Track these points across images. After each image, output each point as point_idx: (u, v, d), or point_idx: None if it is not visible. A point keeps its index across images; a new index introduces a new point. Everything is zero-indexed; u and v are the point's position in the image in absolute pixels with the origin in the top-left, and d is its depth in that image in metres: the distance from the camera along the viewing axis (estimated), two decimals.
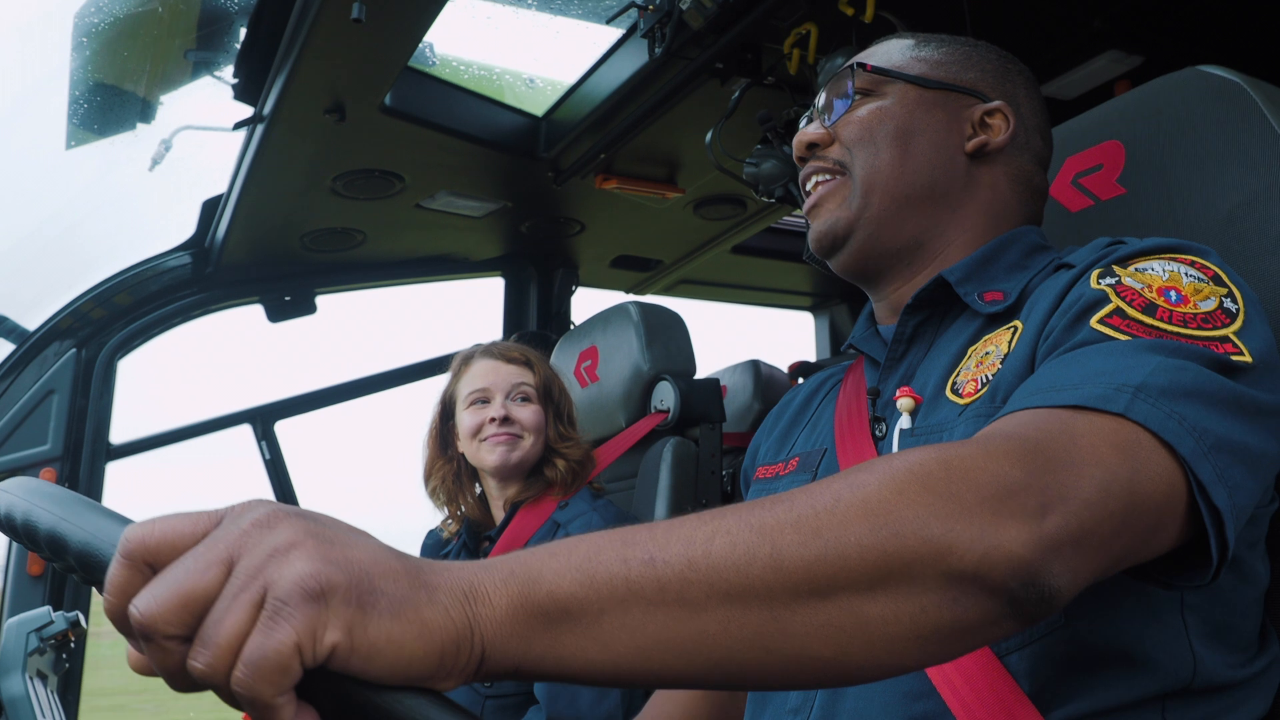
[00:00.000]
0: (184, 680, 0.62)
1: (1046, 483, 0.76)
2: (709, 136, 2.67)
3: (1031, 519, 0.74)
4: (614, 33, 2.76)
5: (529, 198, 3.41)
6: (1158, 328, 0.95)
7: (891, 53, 1.35)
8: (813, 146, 1.34)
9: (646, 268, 4.09)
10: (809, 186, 1.34)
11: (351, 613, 0.60)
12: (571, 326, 3.75)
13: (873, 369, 1.31)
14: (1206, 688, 0.99)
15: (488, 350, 2.51)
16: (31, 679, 1.83)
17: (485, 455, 2.40)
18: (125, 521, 0.71)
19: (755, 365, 3.71)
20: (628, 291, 4.27)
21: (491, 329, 3.98)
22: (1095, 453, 0.81)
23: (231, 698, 0.60)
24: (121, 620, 0.63)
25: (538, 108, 3.14)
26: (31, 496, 0.75)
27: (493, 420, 2.38)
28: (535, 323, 3.90)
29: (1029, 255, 1.25)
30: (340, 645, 0.59)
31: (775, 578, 0.68)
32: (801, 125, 1.46)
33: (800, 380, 3.67)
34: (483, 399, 2.43)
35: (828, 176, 1.32)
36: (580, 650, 0.65)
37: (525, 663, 0.65)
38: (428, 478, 2.53)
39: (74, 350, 3.26)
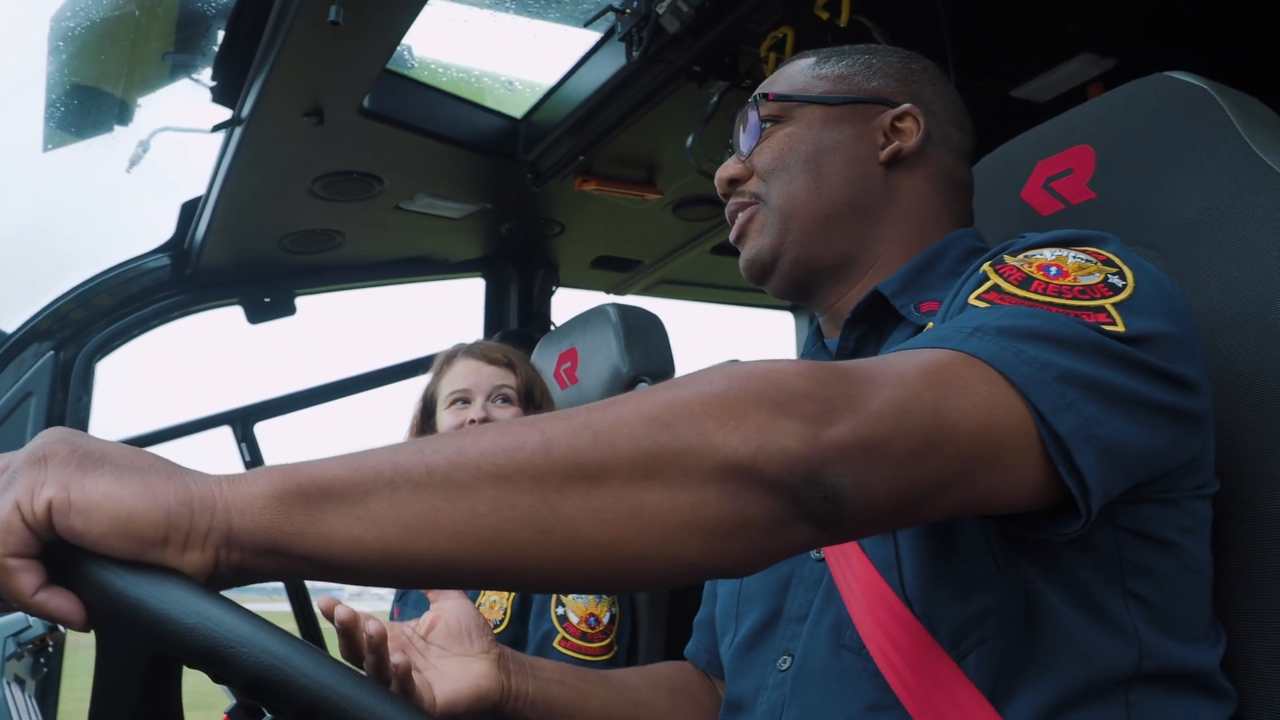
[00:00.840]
0: None
1: (834, 393, 0.76)
2: (689, 141, 2.68)
3: (811, 421, 0.74)
4: (592, 36, 2.77)
5: (509, 199, 3.41)
6: (1029, 298, 0.94)
7: (794, 76, 1.36)
8: (734, 182, 1.35)
9: (627, 268, 4.10)
10: (734, 219, 1.36)
11: (70, 473, 0.63)
12: (552, 327, 3.75)
13: None
14: (1165, 674, 0.99)
15: (470, 350, 2.49)
16: (9, 684, 1.82)
17: None
18: None
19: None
20: (608, 292, 4.27)
21: (472, 330, 3.98)
22: (900, 375, 0.81)
23: None
24: None
25: (517, 109, 3.14)
26: None
27: (472, 422, 2.36)
28: (516, 323, 3.90)
29: (964, 260, 1.25)
30: (56, 500, 0.63)
31: (544, 461, 0.69)
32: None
33: None
34: (463, 399, 2.41)
35: (747, 209, 1.33)
36: (345, 528, 0.67)
37: (283, 539, 0.66)
38: None
39: (52, 352, 3.24)
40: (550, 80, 3.01)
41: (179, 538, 0.64)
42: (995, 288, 0.98)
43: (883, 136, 1.30)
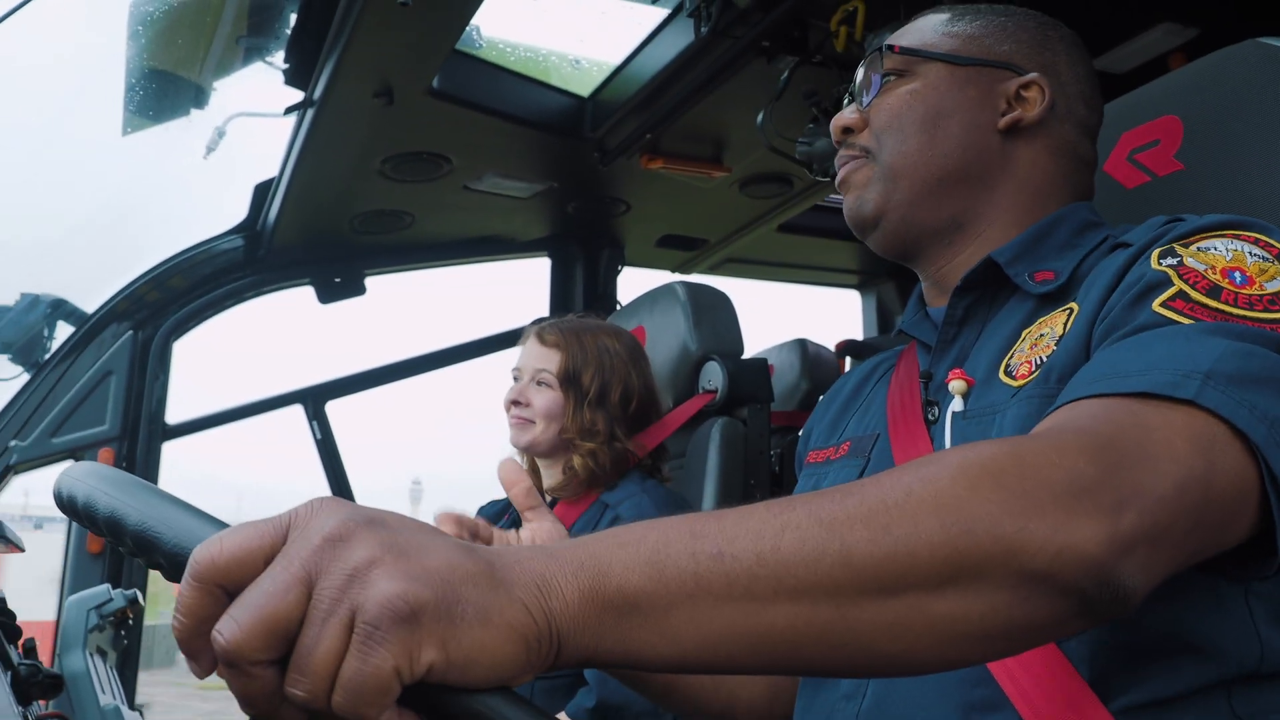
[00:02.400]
0: (264, 705, 0.62)
1: (1121, 479, 0.74)
2: (760, 118, 2.66)
3: (1106, 517, 0.72)
4: (660, 12, 2.76)
5: (575, 178, 3.42)
6: (1222, 310, 0.92)
7: (924, 30, 1.33)
8: (848, 131, 1.33)
9: (692, 247, 4.09)
10: (841, 166, 1.34)
11: (443, 628, 0.60)
12: (618, 306, 3.75)
13: (924, 353, 1.29)
14: (1275, 673, 0.97)
15: (536, 328, 2.51)
16: (91, 655, 1.87)
17: (510, 430, 2.46)
18: (221, 526, 0.71)
19: (802, 344, 3.70)
20: (673, 271, 4.26)
21: (538, 309, 4.00)
22: (1170, 447, 0.79)
23: (333, 718, 0.61)
24: (193, 641, 0.63)
25: (584, 88, 3.14)
26: (115, 490, 0.75)
27: (515, 403, 2.43)
28: (582, 302, 3.91)
29: (1080, 233, 1.23)
30: (437, 661, 0.60)
31: (844, 574, 0.67)
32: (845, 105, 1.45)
33: (848, 360, 3.66)
34: (517, 377, 2.47)
35: (854, 161, 1.31)
36: (648, 642, 0.66)
37: (597, 653, 0.66)
38: None
39: (131, 332, 3.31)
40: (617, 58, 3.01)
41: (527, 668, 0.64)
42: (1181, 295, 0.95)
43: (1005, 104, 1.27)
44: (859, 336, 4.61)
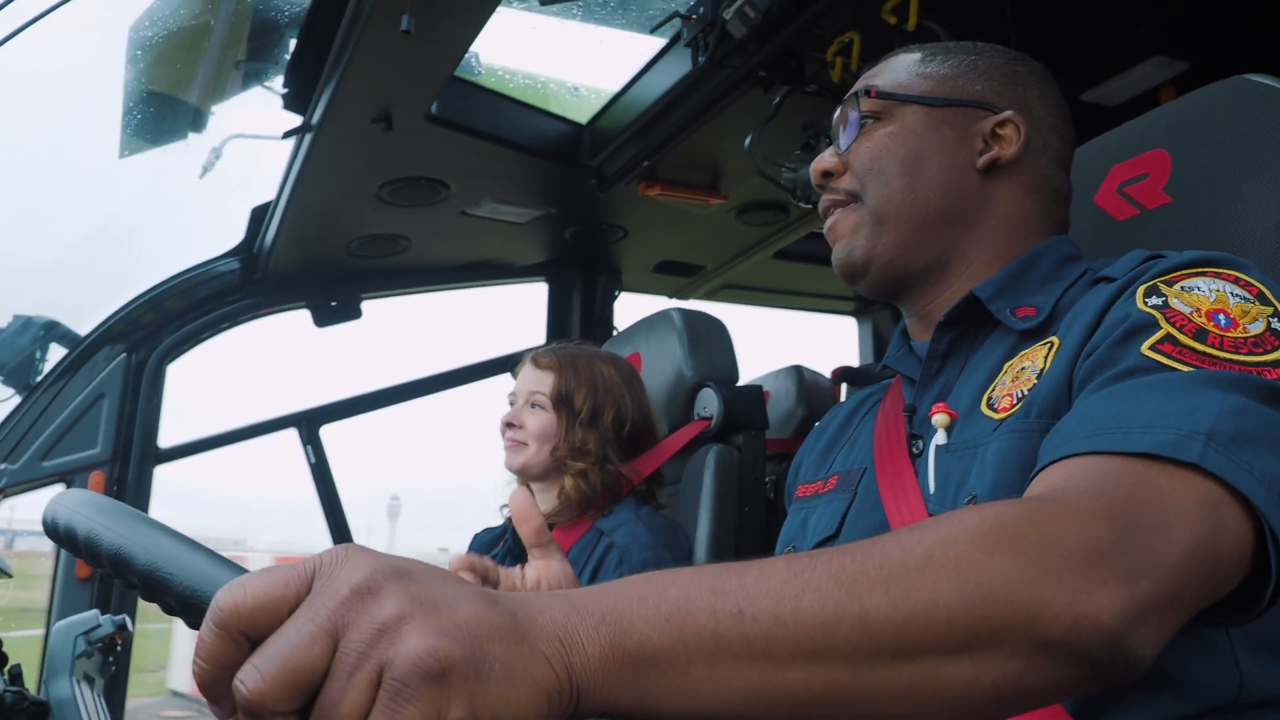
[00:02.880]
0: None
1: (1136, 546, 0.75)
2: (748, 141, 2.68)
3: (1123, 585, 0.73)
4: (658, 42, 2.77)
5: (573, 204, 3.43)
6: (1209, 355, 0.94)
7: (898, 72, 1.35)
8: (828, 175, 1.35)
9: (689, 273, 4.10)
10: (826, 216, 1.36)
11: (471, 687, 0.60)
12: (615, 332, 3.75)
13: (909, 386, 1.31)
14: (1254, 703, 0.98)
15: (532, 355, 2.54)
16: (79, 682, 1.85)
17: (505, 454, 2.47)
18: (234, 568, 0.70)
19: (798, 371, 3.70)
20: (670, 297, 4.27)
21: (535, 334, 4.00)
22: (1180, 513, 0.80)
23: None
24: (214, 686, 0.63)
25: (582, 115, 3.16)
26: (118, 526, 0.75)
27: (510, 425, 2.45)
28: (579, 328, 3.92)
29: (1060, 267, 1.25)
30: (464, 718, 0.60)
31: (862, 639, 0.68)
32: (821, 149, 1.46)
33: (843, 386, 3.66)
34: (512, 402, 2.50)
35: (840, 206, 1.33)
36: (665, 699, 0.66)
37: (615, 707, 0.66)
38: None
39: (124, 355, 3.31)
40: (615, 86, 3.02)
41: None
42: (1170, 338, 0.96)
43: (982, 143, 1.29)
44: (855, 363, 4.62)
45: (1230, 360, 0.93)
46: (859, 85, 1.35)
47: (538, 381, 2.46)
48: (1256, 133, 1.24)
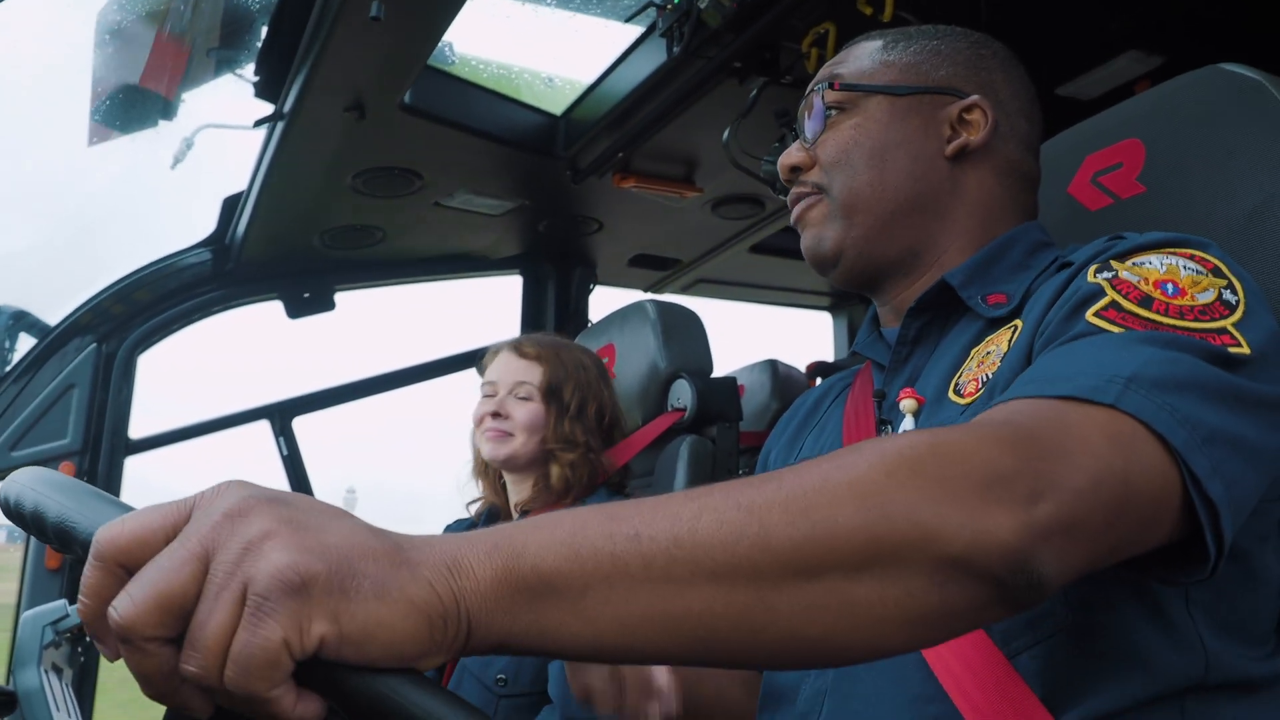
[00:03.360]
0: (161, 684, 0.62)
1: (1038, 470, 0.75)
2: (725, 134, 2.67)
3: (1021, 506, 0.73)
4: (633, 31, 2.76)
5: (547, 196, 3.41)
6: (1153, 320, 0.94)
7: (861, 60, 1.34)
8: (795, 170, 1.34)
9: (664, 267, 4.09)
10: (794, 205, 1.35)
11: (335, 600, 0.59)
12: (589, 326, 3.75)
13: (879, 372, 1.31)
14: (1224, 684, 0.98)
15: (510, 344, 2.53)
16: (46, 672, 1.84)
17: (482, 446, 2.44)
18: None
19: (773, 365, 3.71)
20: (646, 290, 4.27)
21: (510, 327, 3.99)
22: (1088, 443, 0.80)
23: (229, 696, 0.60)
24: (97, 622, 0.63)
25: (556, 106, 3.14)
26: (41, 486, 0.75)
27: (494, 415, 2.41)
28: (554, 320, 3.91)
29: (1031, 254, 1.25)
30: (329, 634, 0.59)
31: (762, 557, 0.67)
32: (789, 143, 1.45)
33: (818, 380, 3.67)
34: (490, 392, 2.46)
35: (809, 197, 1.32)
36: (564, 624, 0.65)
37: (510, 637, 0.65)
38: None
39: (94, 345, 3.27)
40: (590, 77, 3.01)
41: (433, 649, 0.62)
42: (1114, 305, 0.97)
43: (949, 129, 1.28)
44: (830, 358, 4.63)
45: (1174, 325, 0.93)
46: (822, 75, 1.35)
47: (524, 371, 2.45)
48: (1231, 121, 1.24)
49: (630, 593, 0.66)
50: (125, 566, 0.62)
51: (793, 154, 1.34)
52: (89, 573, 0.63)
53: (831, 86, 1.32)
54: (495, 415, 2.41)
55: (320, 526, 0.62)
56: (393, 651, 0.61)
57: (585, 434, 2.44)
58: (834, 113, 1.32)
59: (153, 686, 0.62)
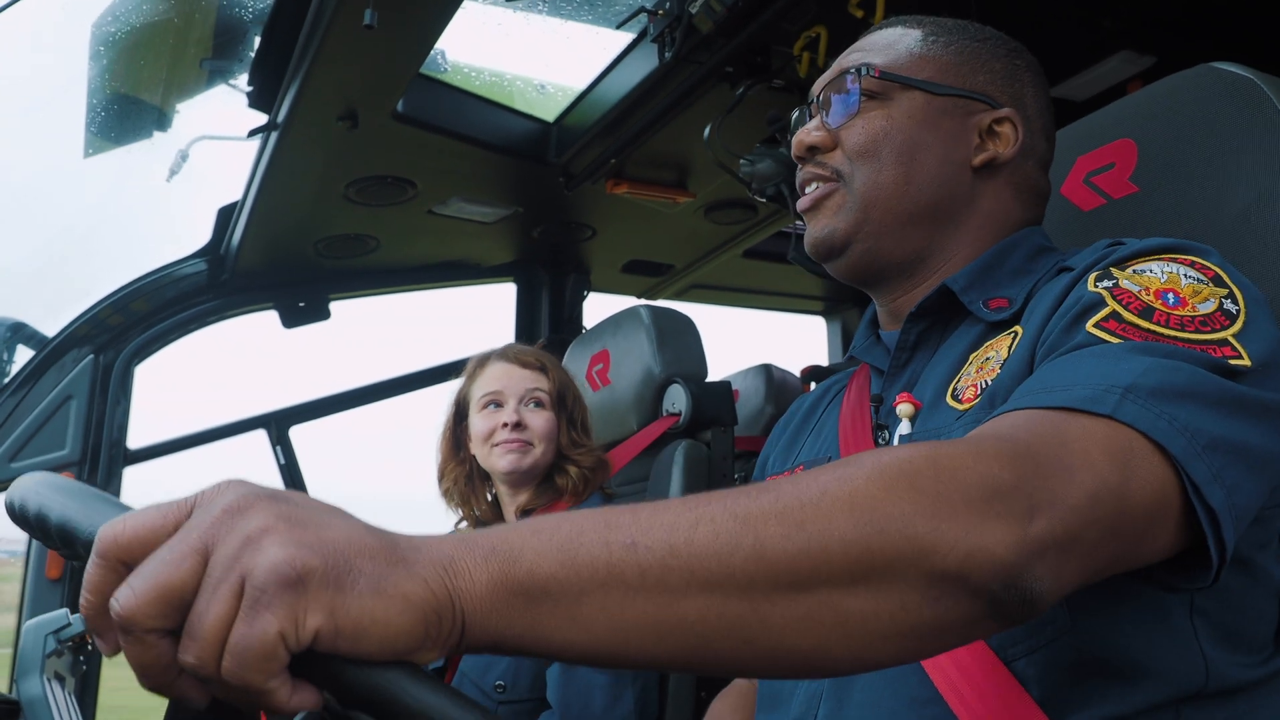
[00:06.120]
0: (160, 676, 0.63)
1: (1035, 486, 0.76)
2: (707, 131, 2.67)
3: (1017, 522, 0.73)
4: (624, 38, 2.77)
5: (540, 203, 3.42)
6: (1153, 331, 0.93)
7: (898, 50, 1.28)
8: (813, 149, 1.29)
9: (658, 272, 4.10)
10: (806, 189, 1.30)
11: (331, 595, 0.60)
12: (584, 333, 3.75)
13: (877, 376, 1.30)
14: (1221, 691, 0.98)
15: (503, 353, 2.49)
16: (49, 681, 1.83)
17: (496, 460, 2.37)
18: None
19: (767, 369, 3.71)
20: (639, 296, 4.27)
21: (504, 334, 3.99)
22: (1085, 457, 0.80)
23: (225, 687, 0.61)
24: (98, 619, 0.64)
25: (549, 113, 3.15)
26: (45, 489, 0.76)
27: (505, 425, 2.35)
28: (547, 327, 3.91)
29: (1033, 259, 1.23)
30: (324, 628, 0.60)
31: (757, 568, 0.68)
32: (797, 119, 1.42)
33: (812, 385, 3.67)
34: (496, 402, 2.41)
35: (825, 184, 1.28)
36: (558, 629, 0.66)
37: (505, 638, 0.66)
38: (441, 479, 2.52)
39: (92, 356, 3.27)
40: (582, 83, 3.02)
41: (428, 645, 0.63)
42: (1115, 315, 0.96)
43: (978, 138, 1.25)
44: (824, 362, 4.63)
45: (1174, 337, 0.93)
46: (856, 60, 1.28)
47: (533, 380, 2.43)
48: (1223, 121, 1.24)
49: (625, 600, 0.66)
50: (127, 563, 0.63)
51: (813, 133, 1.28)
52: (91, 570, 0.64)
53: (871, 73, 1.26)
54: (514, 426, 2.36)
55: (319, 523, 0.63)
56: (387, 645, 0.62)
57: (588, 439, 2.45)
58: (865, 98, 1.26)
59: (151, 678, 0.63)
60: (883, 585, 0.70)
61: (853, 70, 1.28)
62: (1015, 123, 1.26)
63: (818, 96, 1.32)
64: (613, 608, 0.66)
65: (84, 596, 0.64)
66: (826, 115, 1.29)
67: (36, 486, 0.77)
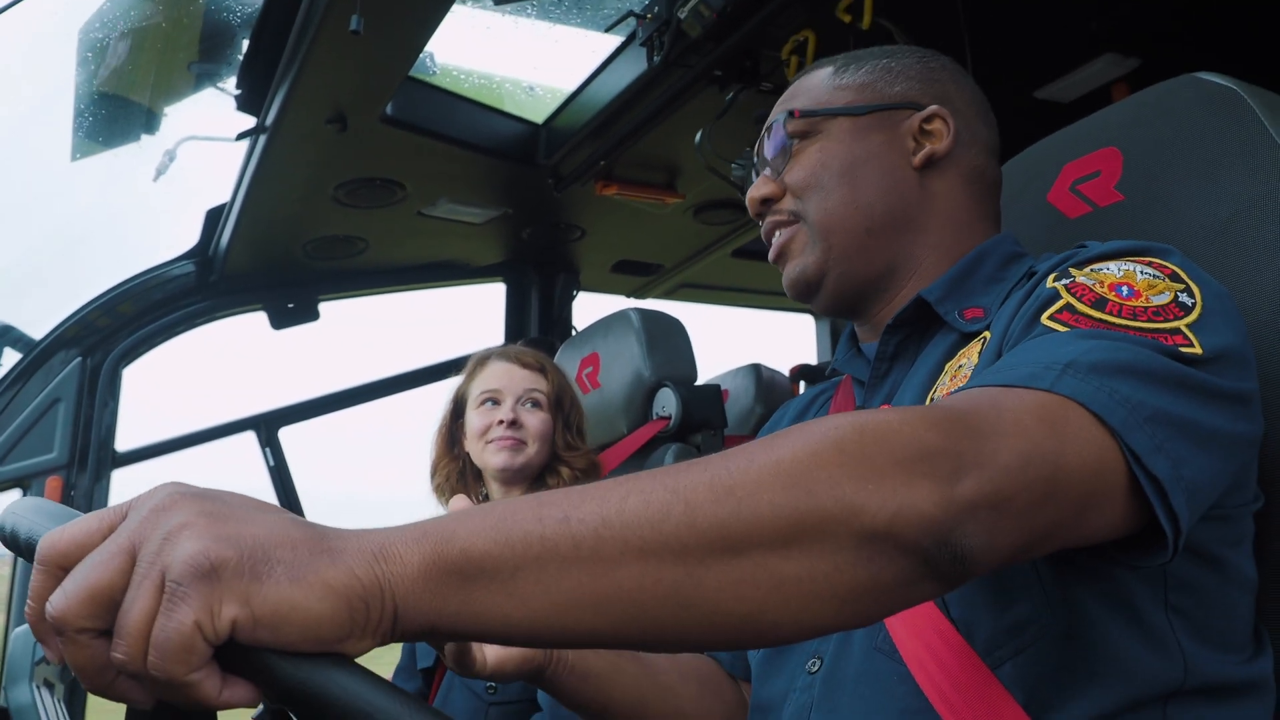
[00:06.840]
0: (97, 677, 0.64)
1: (964, 448, 0.76)
2: (699, 137, 2.68)
3: (944, 481, 0.74)
4: (613, 41, 2.78)
5: (529, 204, 3.43)
6: (1105, 320, 0.95)
7: (815, 89, 1.34)
8: (766, 201, 1.33)
9: (647, 272, 4.11)
10: (771, 239, 1.34)
11: (245, 584, 0.61)
12: (573, 332, 3.75)
13: (858, 388, 1.31)
14: (1204, 688, 0.99)
15: (504, 353, 2.50)
16: (38, 688, 1.84)
17: (489, 457, 2.38)
18: None
19: (756, 369, 3.72)
20: (629, 296, 4.28)
21: (493, 334, 3.99)
22: (1018, 424, 0.81)
23: (156, 683, 0.62)
24: (40, 624, 0.65)
25: (538, 115, 3.15)
26: (26, 512, 0.77)
27: (500, 423, 2.37)
28: (537, 328, 3.91)
29: (1004, 266, 1.25)
30: (240, 617, 0.61)
31: (689, 534, 0.68)
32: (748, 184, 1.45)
33: (801, 384, 3.68)
34: (493, 400, 2.42)
35: (786, 228, 1.32)
36: (496, 607, 0.66)
37: (441, 620, 0.66)
38: (433, 474, 2.52)
39: (79, 359, 3.27)
40: (571, 86, 3.02)
41: (357, 632, 0.64)
42: (1068, 307, 0.97)
43: (913, 141, 1.28)
44: (813, 361, 4.64)
45: (1125, 325, 0.94)
46: (777, 111, 1.34)
47: (532, 380, 2.44)
48: (1207, 130, 1.25)
49: (560, 572, 0.67)
50: (65, 568, 0.64)
51: (761, 186, 1.34)
52: (34, 577, 0.65)
53: (791, 115, 1.32)
54: (510, 424, 2.37)
55: (240, 518, 0.64)
56: (309, 634, 0.62)
57: (582, 443, 2.46)
58: (796, 141, 1.32)
59: (90, 680, 0.64)
60: (814, 547, 0.70)
61: (777, 120, 1.33)
62: (944, 117, 1.29)
63: (756, 157, 1.37)
64: (549, 581, 0.67)
65: (28, 605, 0.65)
66: (768, 168, 1.34)
67: (23, 511, 0.78)
